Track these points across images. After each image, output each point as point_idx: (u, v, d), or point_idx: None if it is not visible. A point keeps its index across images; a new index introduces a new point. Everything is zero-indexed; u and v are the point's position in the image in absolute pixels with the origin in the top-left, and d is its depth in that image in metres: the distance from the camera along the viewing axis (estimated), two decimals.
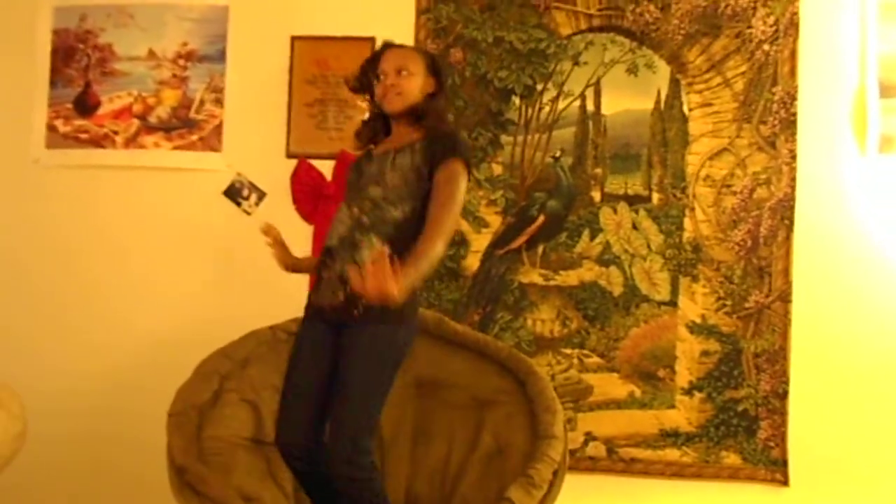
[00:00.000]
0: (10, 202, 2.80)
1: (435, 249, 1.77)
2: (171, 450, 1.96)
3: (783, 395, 2.59)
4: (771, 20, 2.60)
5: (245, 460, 1.92)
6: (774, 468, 2.60)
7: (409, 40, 2.66)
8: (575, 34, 2.67)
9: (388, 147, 1.96)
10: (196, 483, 1.87)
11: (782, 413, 2.59)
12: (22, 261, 2.78)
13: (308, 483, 1.92)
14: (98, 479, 2.67)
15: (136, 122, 2.78)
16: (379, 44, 2.05)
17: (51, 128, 2.80)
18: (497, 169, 2.70)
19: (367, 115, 2.08)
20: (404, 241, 1.82)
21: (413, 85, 1.93)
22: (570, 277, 2.68)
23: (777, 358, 2.60)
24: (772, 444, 2.60)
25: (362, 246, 1.85)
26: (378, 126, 2.03)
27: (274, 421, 1.94)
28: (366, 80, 1.99)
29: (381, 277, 1.56)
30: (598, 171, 2.69)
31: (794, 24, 2.59)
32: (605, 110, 2.68)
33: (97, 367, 2.70)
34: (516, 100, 2.69)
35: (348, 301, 1.83)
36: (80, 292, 2.75)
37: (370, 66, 1.99)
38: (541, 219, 2.69)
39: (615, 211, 2.68)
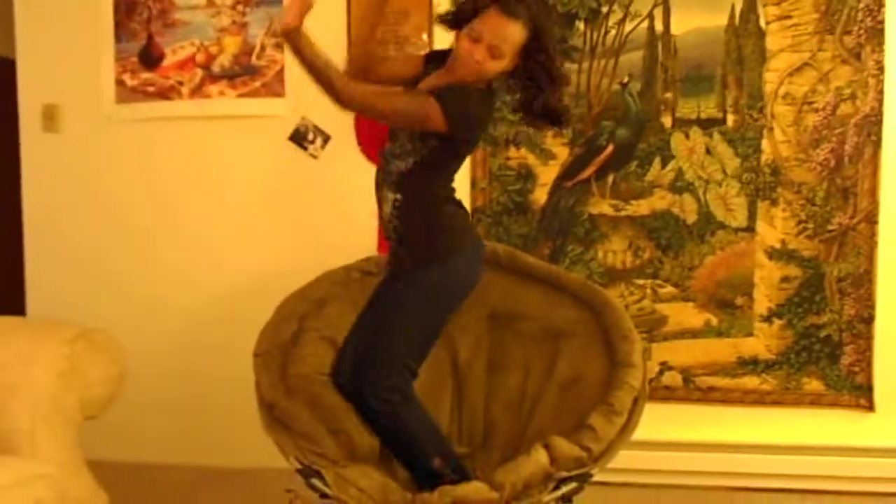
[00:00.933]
0: (86, 157, 2.89)
1: (330, 76, 1.69)
2: (260, 387, 2.03)
3: (869, 320, 2.51)
4: None
5: (328, 395, 1.98)
6: (859, 393, 2.54)
7: None
8: None
9: None
10: (285, 418, 1.94)
11: (868, 338, 2.51)
12: (112, 211, 2.86)
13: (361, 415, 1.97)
14: (192, 414, 2.81)
15: (199, 72, 2.81)
16: None
17: (119, 82, 2.85)
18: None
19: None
20: (412, 190, 1.86)
21: (496, 67, 1.81)
22: (642, 207, 2.62)
23: (862, 281, 2.51)
24: (856, 369, 2.54)
25: (383, 200, 1.91)
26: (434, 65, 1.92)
27: None
28: (462, 17, 1.84)
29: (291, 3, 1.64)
30: (669, 95, 2.59)
31: None
32: (674, 30, 2.56)
33: (188, 305, 2.81)
34: (580, 24, 2.59)
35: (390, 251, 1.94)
36: (169, 237, 2.84)
37: (471, 8, 1.81)
38: (610, 148, 2.62)
39: (687, 136, 2.59)
